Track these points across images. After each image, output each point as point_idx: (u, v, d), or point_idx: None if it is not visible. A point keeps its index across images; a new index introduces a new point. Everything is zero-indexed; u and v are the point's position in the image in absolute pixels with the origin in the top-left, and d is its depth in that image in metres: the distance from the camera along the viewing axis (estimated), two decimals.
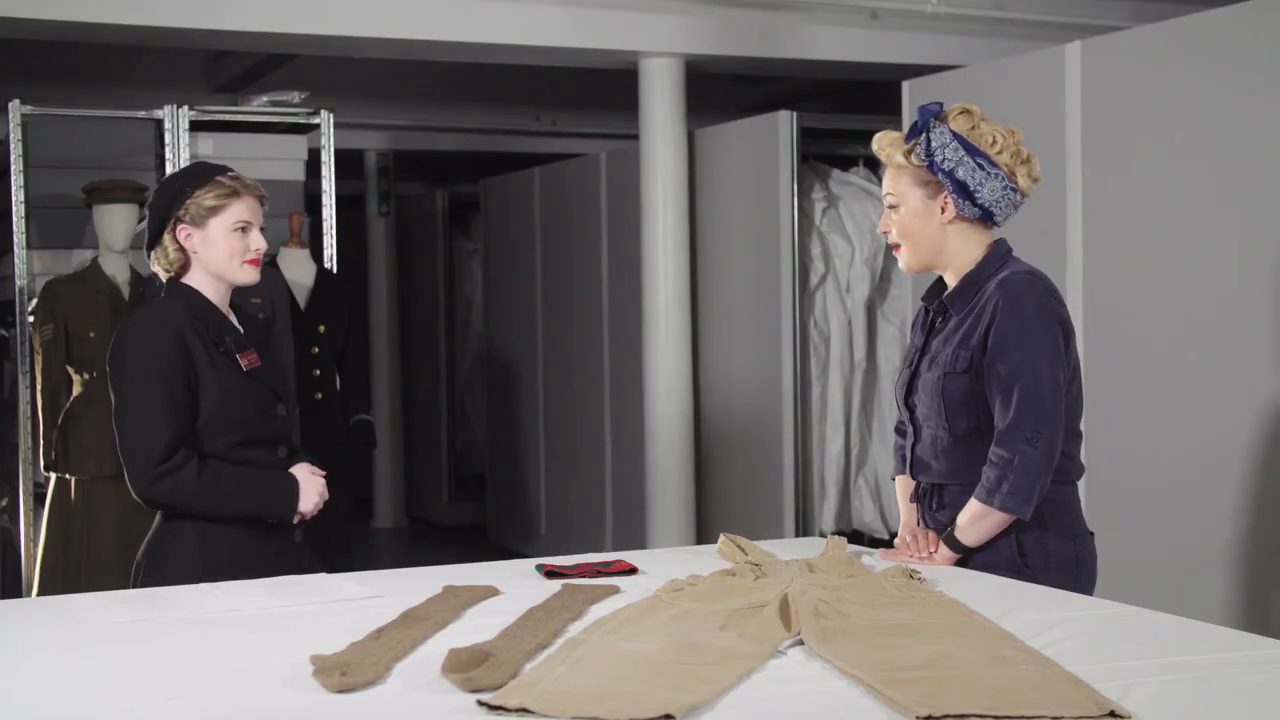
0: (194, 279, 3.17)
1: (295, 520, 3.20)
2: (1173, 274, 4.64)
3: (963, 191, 2.87)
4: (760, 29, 6.71)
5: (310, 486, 3.19)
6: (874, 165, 6.95)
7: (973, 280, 2.93)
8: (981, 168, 2.86)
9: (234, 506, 3.10)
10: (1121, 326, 4.82)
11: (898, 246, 2.98)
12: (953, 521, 2.90)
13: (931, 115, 2.89)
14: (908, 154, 2.91)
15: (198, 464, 3.06)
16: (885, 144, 2.96)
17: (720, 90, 8.82)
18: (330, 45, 6.48)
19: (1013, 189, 2.89)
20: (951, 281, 2.98)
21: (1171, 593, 4.44)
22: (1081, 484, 3.00)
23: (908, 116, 5.84)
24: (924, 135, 2.88)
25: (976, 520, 2.84)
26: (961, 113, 2.90)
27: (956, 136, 2.86)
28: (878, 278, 6.65)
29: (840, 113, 8.34)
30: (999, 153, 2.88)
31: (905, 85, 5.90)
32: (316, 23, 6.03)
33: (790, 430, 6.50)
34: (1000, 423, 2.81)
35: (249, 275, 3.17)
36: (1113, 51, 4.91)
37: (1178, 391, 4.60)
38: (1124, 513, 4.69)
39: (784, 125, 6.49)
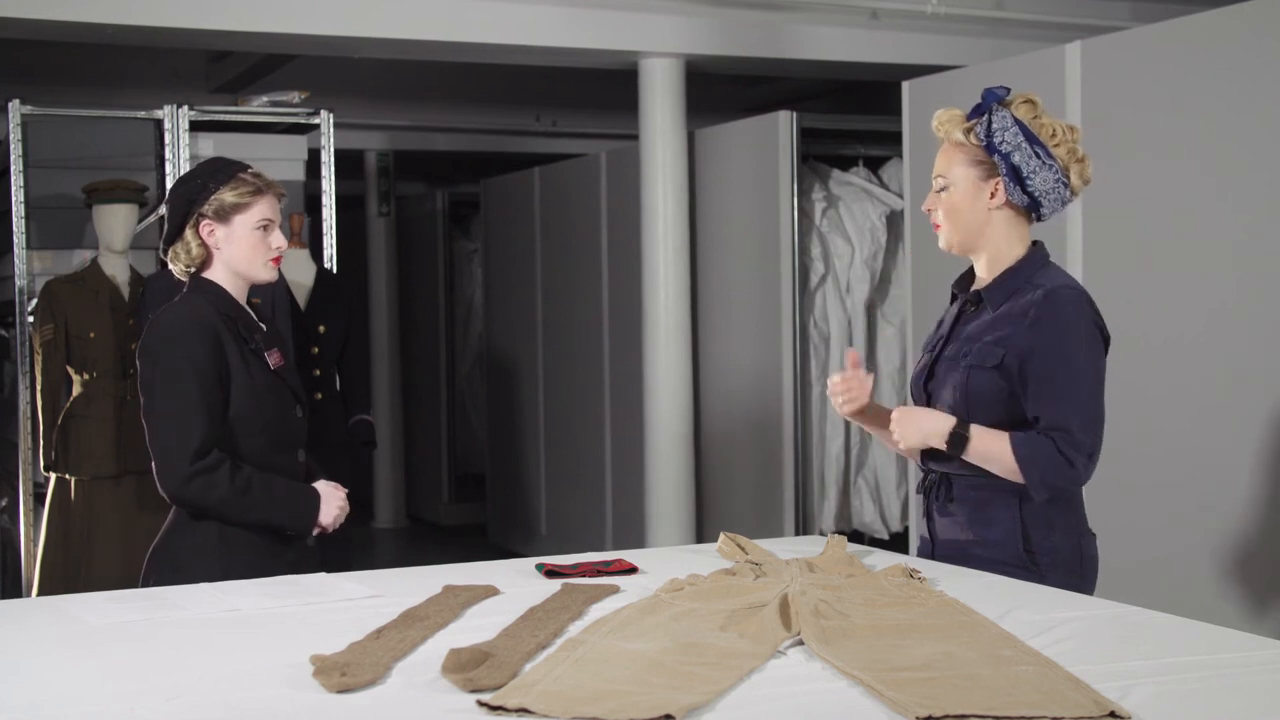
0: (215, 274, 3.13)
1: (314, 533, 3.19)
2: (1173, 273, 4.64)
3: (1015, 177, 2.86)
4: (760, 29, 6.71)
5: (332, 501, 3.19)
6: (874, 165, 6.95)
7: (1012, 278, 2.91)
8: (1038, 156, 2.85)
9: (258, 514, 3.07)
10: (1121, 326, 4.80)
11: (938, 225, 2.97)
12: (961, 515, 2.90)
13: (996, 99, 2.89)
14: (968, 131, 2.90)
15: (230, 467, 3.02)
16: (944, 120, 2.95)
17: (720, 90, 8.82)
18: (330, 45, 6.48)
19: (1064, 184, 2.88)
20: (984, 272, 2.96)
21: (1172, 593, 4.44)
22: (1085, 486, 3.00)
23: (908, 117, 5.84)
24: (986, 116, 2.88)
25: (994, 453, 2.80)
26: (1025, 101, 2.90)
27: (1018, 123, 2.86)
28: (877, 278, 6.65)
29: (840, 113, 8.34)
30: (1056, 145, 2.88)
31: (905, 85, 5.90)
32: (316, 23, 6.03)
33: (790, 430, 6.49)
34: (1050, 416, 2.79)
35: (271, 273, 3.15)
36: (1113, 51, 4.91)
37: (1177, 391, 4.60)
38: (1124, 513, 4.69)
39: (784, 125, 6.49)
